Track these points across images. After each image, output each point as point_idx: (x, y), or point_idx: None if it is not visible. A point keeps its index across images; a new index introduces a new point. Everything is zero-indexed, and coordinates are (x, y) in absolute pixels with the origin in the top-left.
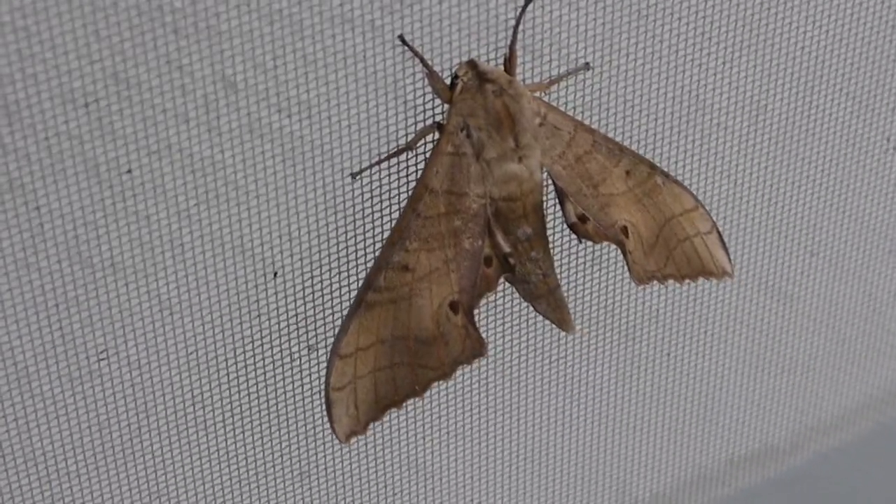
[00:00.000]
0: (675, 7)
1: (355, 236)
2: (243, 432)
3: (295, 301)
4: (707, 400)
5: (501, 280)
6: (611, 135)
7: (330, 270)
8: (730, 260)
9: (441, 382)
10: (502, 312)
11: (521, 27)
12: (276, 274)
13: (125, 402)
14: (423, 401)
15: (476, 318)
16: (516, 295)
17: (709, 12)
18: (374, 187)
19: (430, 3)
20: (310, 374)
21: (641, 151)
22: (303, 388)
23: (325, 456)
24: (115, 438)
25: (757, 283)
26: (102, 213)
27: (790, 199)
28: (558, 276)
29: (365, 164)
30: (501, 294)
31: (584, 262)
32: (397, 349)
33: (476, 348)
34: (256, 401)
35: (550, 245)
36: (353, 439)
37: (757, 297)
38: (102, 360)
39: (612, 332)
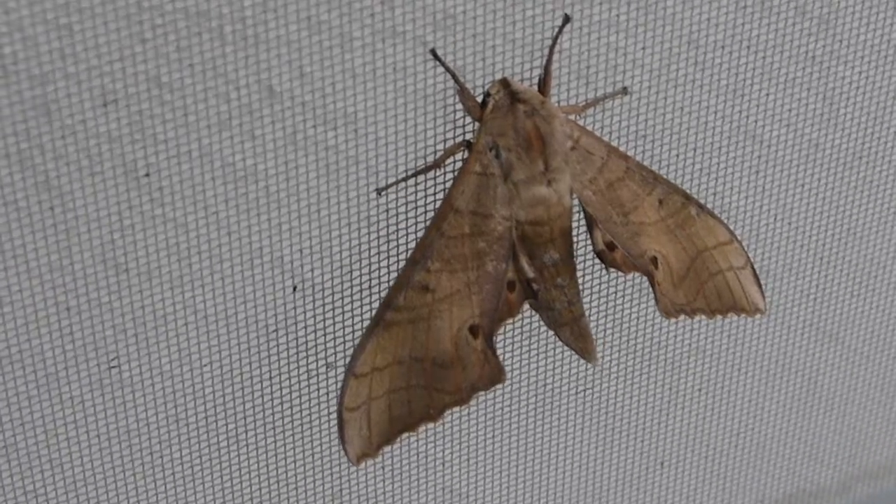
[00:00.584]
0: (727, 41)
1: (378, 253)
2: (278, 450)
3: (315, 316)
4: (744, 441)
5: (525, 306)
6: (658, 167)
7: (352, 287)
8: (763, 297)
9: (458, 408)
10: (541, 339)
11: (557, 48)
12: (294, 288)
13: (158, 408)
14: (443, 426)
15: (496, 344)
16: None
17: (762, 48)
18: (399, 204)
19: (480, 21)
20: (327, 392)
21: (689, 184)
22: (319, 407)
23: (357, 479)
24: (142, 446)
25: (804, 323)
26: (138, 216)
27: (840, 237)
28: (584, 305)
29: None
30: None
31: (628, 292)
32: (414, 371)
33: (494, 375)
34: (278, 416)
35: (578, 272)
36: (365, 461)
37: (802, 338)
38: (114, 367)
39: (654, 364)
